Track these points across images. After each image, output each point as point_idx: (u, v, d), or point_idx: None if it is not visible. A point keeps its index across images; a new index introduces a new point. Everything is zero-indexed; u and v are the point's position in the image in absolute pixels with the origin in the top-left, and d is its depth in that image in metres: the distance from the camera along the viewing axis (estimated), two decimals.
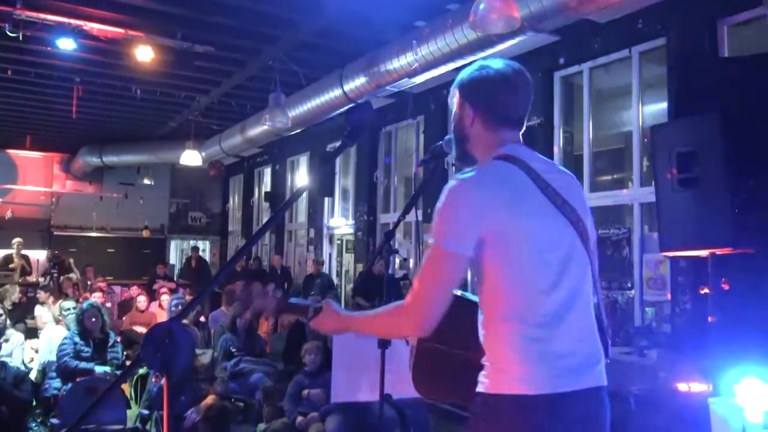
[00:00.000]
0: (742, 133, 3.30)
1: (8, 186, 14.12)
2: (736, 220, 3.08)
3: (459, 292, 1.85)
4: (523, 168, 1.71)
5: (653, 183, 3.65)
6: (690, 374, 3.57)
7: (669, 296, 5.48)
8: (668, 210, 3.35)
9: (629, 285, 6.10)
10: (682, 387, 3.45)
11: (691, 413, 3.21)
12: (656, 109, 6.18)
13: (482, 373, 1.69)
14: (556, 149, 6.99)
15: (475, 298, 1.79)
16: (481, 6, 3.83)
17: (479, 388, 1.68)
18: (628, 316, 6.06)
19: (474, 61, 5.79)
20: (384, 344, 2.22)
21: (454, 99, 1.90)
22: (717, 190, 3.13)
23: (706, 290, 3.23)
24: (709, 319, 3.17)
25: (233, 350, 6.22)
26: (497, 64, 1.86)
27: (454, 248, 1.63)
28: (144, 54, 6.53)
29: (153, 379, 4.49)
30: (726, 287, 3.21)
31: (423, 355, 1.85)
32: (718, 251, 3.20)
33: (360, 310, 7.94)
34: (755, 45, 5.16)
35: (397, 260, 9.20)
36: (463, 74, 1.88)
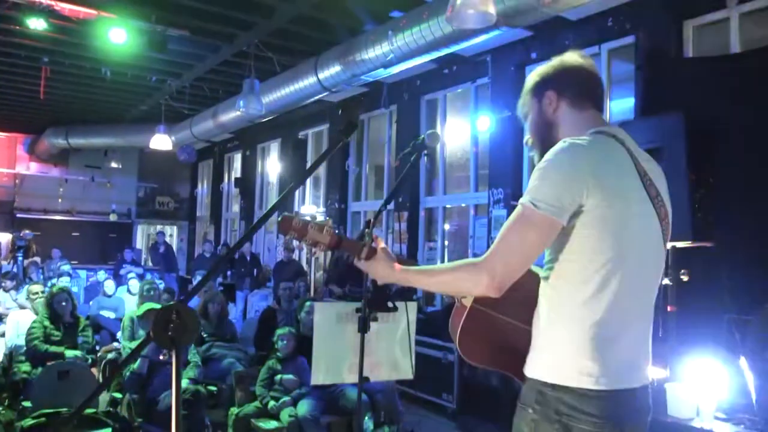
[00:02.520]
0: (703, 131, 3.46)
1: None
2: (695, 215, 3.25)
3: None
4: (624, 146, 1.67)
5: None
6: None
7: None
8: None
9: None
10: None
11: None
12: (624, 104, 6.36)
13: (538, 356, 1.65)
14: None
15: (539, 270, 1.72)
16: (458, 1, 3.92)
17: (534, 374, 1.64)
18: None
19: (449, 53, 5.89)
20: (364, 329, 2.31)
21: (526, 103, 1.89)
22: (678, 186, 3.28)
23: (667, 281, 3.39)
24: (669, 308, 3.33)
25: (204, 335, 6.25)
26: (561, 57, 1.88)
27: (550, 212, 1.53)
28: (117, 36, 6.45)
29: (161, 357, 4.50)
30: (685, 279, 3.38)
31: (473, 318, 1.78)
32: (678, 244, 3.37)
33: (336, 297, 7.96)
34: (719, 46, 5.35)
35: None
36: (531, 79, 1.90)
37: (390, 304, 2.42)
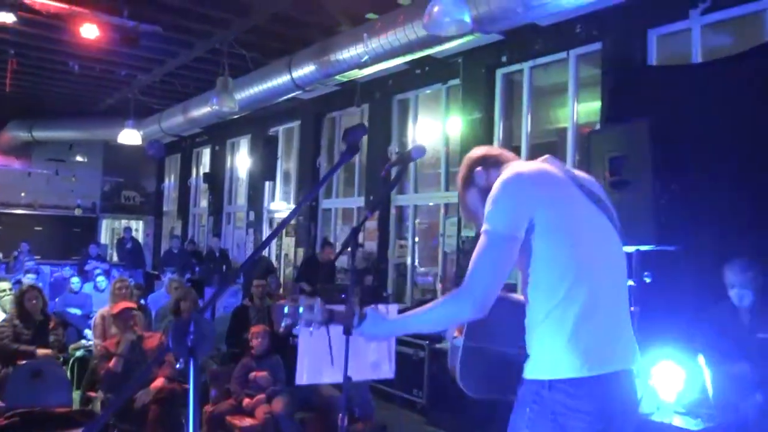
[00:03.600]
0: (668, 139, 3.63)
1: None
2: (659, 220, 3.43)
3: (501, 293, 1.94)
4: (559, 168, 1.91)
5: None
6: None
7: None
8: None
9: None
10: None
11: None
12: (590, 108, 6.56)
13: (530, 359, 1.81)
14: (495, 141, 7.30)
15: (516, 297, 1.92)
16: (435, 9, 4.02)
17: (529, 376, 1.80)
18: None
19: (420, 56, 5.96)
20: (348, 331, 2.39)
21: (465, 197, 2.11)
22: (643, 193, 3.46)
23: (631, 282, 3.56)
24: (632, 308, 3.50)
25: None
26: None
27: (508, 231, 1.75)
28: (89, 31, 6.39)
29: (177, 365, 4.53)
30: (648, 280, 3.56)
31: (469, 355, 1.96)
32: (642, 248, 3.54)
33: (308, 295, 8.02)
34: (681, 56, 5.57)
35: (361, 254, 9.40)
36: (459, 180, 2.14)
37: (374, 305, 2.50)
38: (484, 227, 1.79)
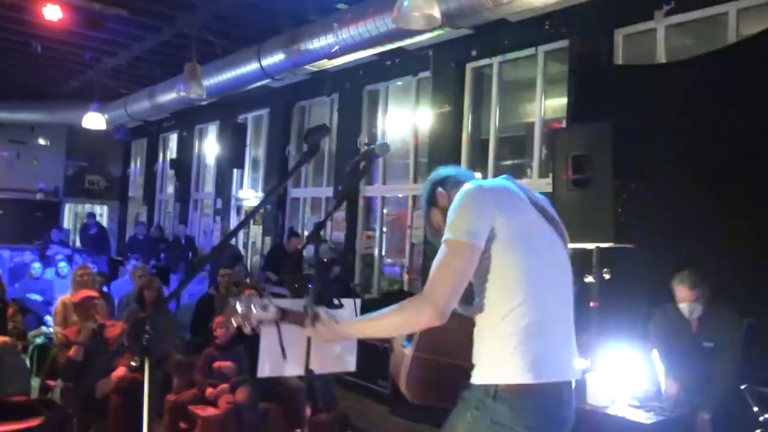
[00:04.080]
0: (630, 139, 3.72)
1: None
2: (617, 219, 3.51)
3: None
4: (517, 186, 1.98)
5: (551, 180, 4.04)
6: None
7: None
8: (561, 206, 3.73)
9: None
10: None
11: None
12: (557, 103, 6.65)
13: (477, 366, 1.86)
14: (464, 134, 7.37)
15: (464, 312, 1.94)
16: (405, 3, 4.03)
17: (475, 381, 1.84)
18: None
19: (394, 48, 5.96)
20: (312, 324, 2.41)
21: (430, 220, 2.14)
22: (603, 191, 3.54)
23: (591, 278, 3.65)
24: (591, 304, 3.59)
25: None
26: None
27: (470, 239, 1.78)
28: (52, 13, 6.23)
29: (132, 362, 4.47)
30: (607, 277, 3.65)
31: (418, 366, 1.99)
32: (602, 245, 3.63)
33: (273, 283, 7.98)
34: (646, 56, 5.67)
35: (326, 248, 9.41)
36: (424, 203, 2.18)
37: (336, 302, 2.53)
38: (446, 236, 1.82)
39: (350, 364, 2.79)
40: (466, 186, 1.91)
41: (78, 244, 13.88)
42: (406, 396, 2.03)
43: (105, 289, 7.82)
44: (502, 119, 7.23)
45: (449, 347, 1.93)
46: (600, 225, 3.54)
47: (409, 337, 2.05)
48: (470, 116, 7.40)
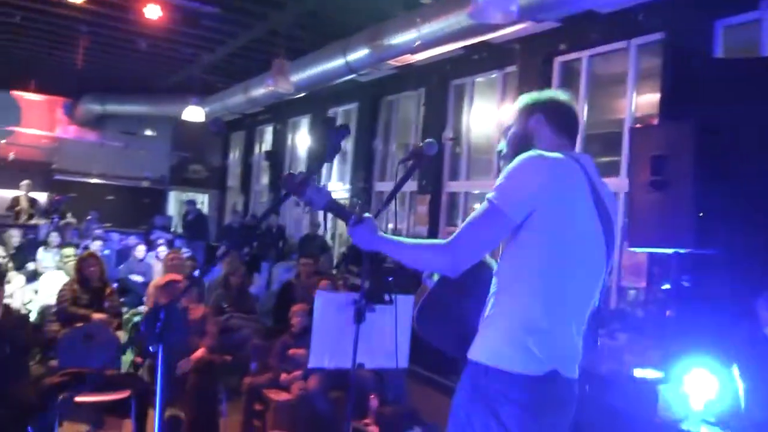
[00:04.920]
0: (721, 138, 3.48)
1: (11, 128, 14.21)
2: (699, 223, 3.29)
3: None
4: (585, 171, 1.88)
5: (629, 181, 3.86)
6: (648, 361, 3.84)
7: (644, 284, 5.73)
8: (639, 208, 3.56)
9: (608, 270, 6.33)
10: (637, 372, 3.72)
11: (642, 397, 3.48)
12: (649, 99, 6.32)
13: (479, 341, 1.86)
14: None
15: (494, 264, 1.95)
16: None
17: (473, 357, 1.85)
18: (604, 300, 6.32)
19: (477, 42, 5.89)
20: (359, 319, 2.45)
21: (514, 117, 2.09)
22: (684, 194, 3.33)
23: (668, 286, 3.46)
24: (667, 313, 3.41)
25: (224, 306, 6.50)
26: (558, 93, 2.13)
27: (508, 210, 1.77)
28: (152, 12, 6.62)
29: (149, 348, 4.75)
30: (686, 284, 3.44)
31: (434, 298, 2.03)
32: (681, 250, 3.42)
33: (352, 276, 8.11)
34: (749, 48, 5.28)
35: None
36: (526, 99, 2.09)
37: (387, 298, 2.55)
38: (491, 195, 1.81)
39: (401, 360, 2.80)
40: (532, 153, 1.84)
41: (179, 230, 14.68)
42: (417, 329, 2.06)
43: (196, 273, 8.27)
44: (591, 115, 6.96)
45: (466, 290, 1.92)
46: (679, 229, 3.34)
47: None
48: None
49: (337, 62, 7.50)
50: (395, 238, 1.98)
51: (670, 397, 3.28)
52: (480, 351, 1.84)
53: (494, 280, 1.88)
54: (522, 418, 1.75)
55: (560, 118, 2.01)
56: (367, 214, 2.02)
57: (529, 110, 2.03)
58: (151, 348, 4.41)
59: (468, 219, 1.84)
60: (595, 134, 7.10)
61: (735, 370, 3.40)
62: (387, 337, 2.61)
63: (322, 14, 7.21)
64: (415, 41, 6.09)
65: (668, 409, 3.27)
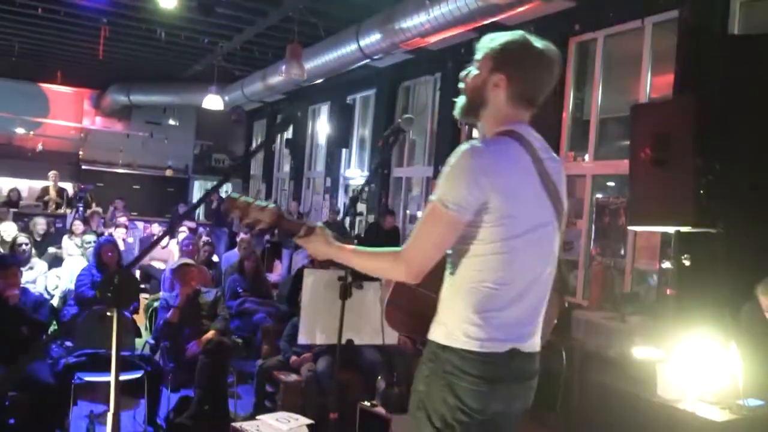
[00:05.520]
0: (719, 115, 3.42)
1: (40, 119, 14.56)
2: (699, 201, 3.25)
3: None
4: (528, 149, 1.82)
5: (629, 159, 3.80)
6: (652, 339, 3.81)
7: (657, 266, 5.66)
8: (639, 187, 3.52)
9: (622, 253, 6.27)
10: (637, 352, 3.69)
11: (641, 377, 3.46)
12: (666, 81, 6.19)
13: (436, 323, 1.87)
14: (565, 114, 7.08)
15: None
16: None
17: (431, 337, 1.87)
18: (618, 283, 6.25)
19: (485, 24, 5.82)
20: (345, 296, 2.49)
21: (483, 61, 1.91)
22: (683, 171, 3.29)
23: (668, 264, 3.42)
24: (668, 291, 3.37)
25: (240, 291, 6.60)
26: (540, 42, 1.91)
27: (455, 211, 1.74)
28: (167, 1, 6.70)
29: (107, 313, 4.86)
30: (687, 263, 3.40)
31: (399, 291, 2.04)
32: (682, 229, 3.38)
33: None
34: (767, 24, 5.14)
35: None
36: (504, 41, 1.89)
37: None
38: (437, 197, 1.78)
39: (392, 337, 2.83)
40: (466, 147, 1.79)
41: (202, 217, 14.91)
42: (386, 322, 2.07)
43: (214, 258, 8.41)
44: (607, 98, 6.85)
45: (428, 278, 1.89)
46: (680, 207, 3.30)
47: None
48: (572, 94, 7.08)
49: (351, 47, 7.51)
50: (350, 247, 1.98)
51: (669, 376, 3.24)
52: (437, 331, 1.85)
53: (447, 261, 1.87)
54: (479, 393, 1.77)
55: (525, 86, 1.87)
56: (318, 224, 2.01)
57: (496, 63, 1.87)
58: (107, 313, 4.54)
59: (417, 224, 1.83)
60: (612, 118, 7.00)
61: (733, 348, 3.36)
62: (375, 314, 2.62)
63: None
64: (424, 24, 6.06)
65: (667, 389, 3.24)
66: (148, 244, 4.59)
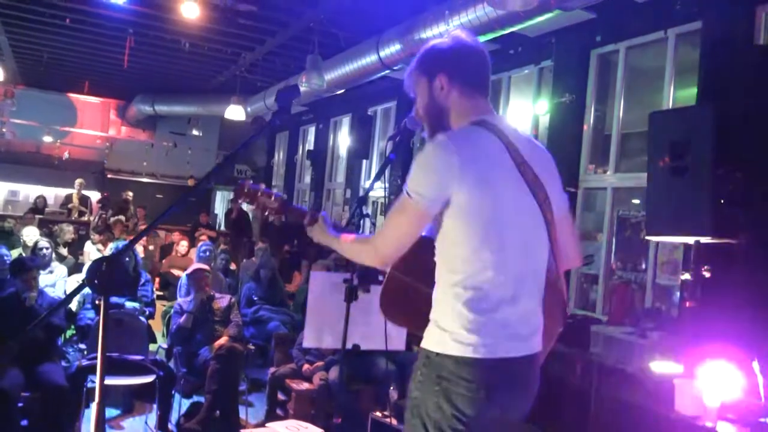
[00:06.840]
0: (739, 124, 3.33)
1: (67, 128, 14.83)
2: (718, 211, 3.15)
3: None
4: (500, 136, 1.80)
5: (647, 168, 3.73)
6: (671, 355, 3.71)
7: (679, 281, 5.52)
8: (657, 196, 3.44)
9: (643, 267, 6.15)
10: (655, 366, 3.59)
11: (659, 392, 3.36)
12: (690, 93, 6.08)
13: (428, 330, 1.81)
14: (585, 127, 6.99)
15: None
16: None
17: (424, 345, 1.81)
18: (639, 298, 6.11)
19: (513, 32, 5.78)
20: (350, 299, 2.45)
21: (417, 79, 1.96)
22: (702, 180, 3.20)
23: (688, 276, 3.33)
24: (687, 304, 3.27)
25: (255, 298, 6.61)
26: (457, 36, 1.97)
27: (422, 203, 1.73)
28: (189, 10, 6.79)
29: (96, 302, 4.91)
30: (707, 275, 3.30)
31: (391, 282, 2.05)
32: (702, 240, 3.28)
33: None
34: None
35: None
36: (419, 55, 1.98)
37: (380, 278, 2.54)
38: (408, 188, 1.78)
39: (398, 342, 2.78)
40: (441, 139, 1.77)
41: (223, 227, 15.03)
42: (382, 313, 2.09)
43: (232, 266, 8.44)
44: (628, 111, 6.75)
45: (420, 270, 1.90)
46: (699, 217, 3.21)
47: None
48: (593, 107, 6.99)
49: (371, 58, 7.52)
50: (338, 235, 2.07)
51: (687, 391, 3.14)
52: (430, 339, 1.81)
53: (436, 263, 1.84)
54: (474, 400, 1.72)
55: (467, 75, 1.88)
56: (320, 214, 2.14)
57: (430, 69, 1.90)
58: (98, 301, 4.54)
59: (388, 214, 1.86)
60: (635, 133, 6.88)
61: (755, 364, 3.24)
62: (383, 319, 2.59)
63: (357, 10, 7.24)
64: (443, 35, 6.03)
65: (685, 404, 3.13)
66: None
